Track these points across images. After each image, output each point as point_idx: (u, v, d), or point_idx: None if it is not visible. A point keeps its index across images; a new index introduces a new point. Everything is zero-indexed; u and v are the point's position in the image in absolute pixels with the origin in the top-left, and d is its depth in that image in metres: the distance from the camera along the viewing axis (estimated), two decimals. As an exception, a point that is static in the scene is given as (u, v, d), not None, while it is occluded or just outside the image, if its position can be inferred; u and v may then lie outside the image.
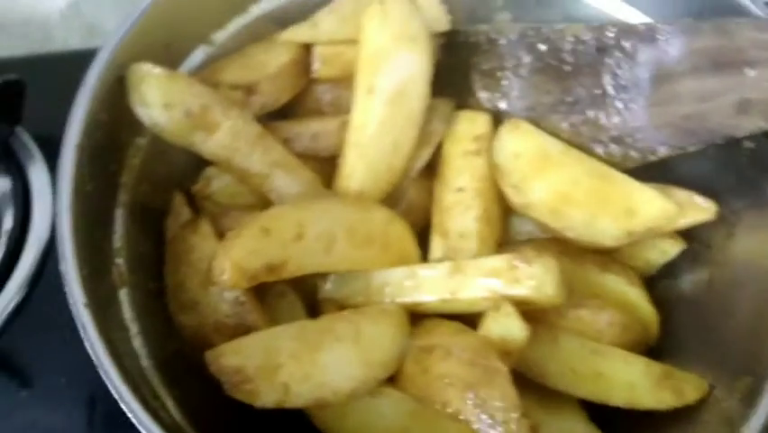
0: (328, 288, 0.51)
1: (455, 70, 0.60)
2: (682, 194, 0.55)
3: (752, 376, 0.47)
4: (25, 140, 0.69)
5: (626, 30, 0.54)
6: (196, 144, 0.50)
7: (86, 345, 0.38)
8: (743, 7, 0.53)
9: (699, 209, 0.55)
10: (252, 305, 0.47)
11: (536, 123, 0.57)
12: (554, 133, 0.57)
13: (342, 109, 0.57)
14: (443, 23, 0.60)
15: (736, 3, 0.53)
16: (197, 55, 0.56)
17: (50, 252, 0.63)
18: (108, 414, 0.56)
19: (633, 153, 0.55)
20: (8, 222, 0.64)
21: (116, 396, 0.37)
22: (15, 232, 0.63)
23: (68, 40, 0.81)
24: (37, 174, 0.68)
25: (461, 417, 0.43)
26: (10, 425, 0.56)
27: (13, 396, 0.57)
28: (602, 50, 0.55)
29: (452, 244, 0.53)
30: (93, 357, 0.38)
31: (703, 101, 0.51)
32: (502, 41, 0.58)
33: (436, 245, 0.54)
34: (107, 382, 0.37)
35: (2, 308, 0.60)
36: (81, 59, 0.76)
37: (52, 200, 0.65)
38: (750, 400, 0.46)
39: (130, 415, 0.37)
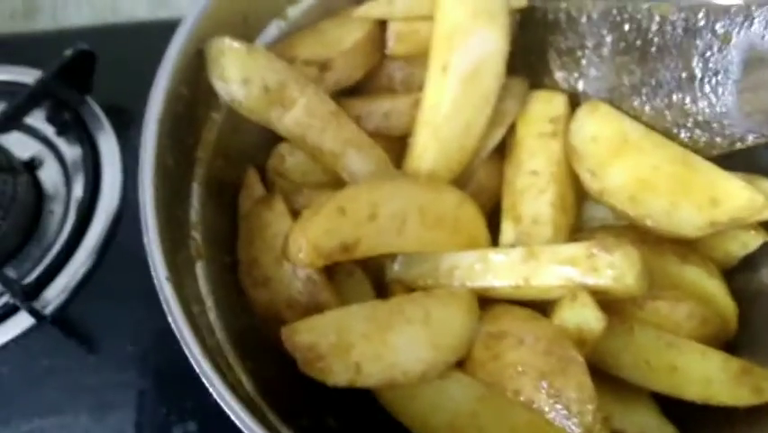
0: (397, 269, 0.51)
1: (531, 49, 0.59)
2: None
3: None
4: (95, 109, 0.71)
5: (719, 11, 0.51)
6: (272, 120, 0.50)
7: (169, 318, 0.39)
8: None
9: None
10: (324, 283, 0.47)
11: (616, 105, 0.56)
12: (635, 117, 0.55)
13: (414, 87, 0.56)
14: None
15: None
16: (272, 29, 0.56)
17: (119, 221, 0.65)
18: (173, 381, 0.58)
19: (719, 140, 0.53)
20: (78, 190, 0.67)
21: (197, 369, 0.38)
22: (86, 200, 0.65)
23: (135, 10, 0.82)
24: (106, 143, 0.69)
25: (533, 405, 0.43)
26: (79, 388, 0.58)
27: (81, 362, 0.59)
28: (691, 31, 0.52)
29: (525, 229, 0.52)
30: (175, 331, 0.39)
31: (798, 89, 0.48)
32: (583, 19, 0.56)
33: (508, 230, 0.53)
34: (189, 356, 0.38)
35: (71, 275, 0.62)
36: (147, 30, 0.78)
37: (121, 169, 0.68)
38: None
39: (209, 387, 0.37)
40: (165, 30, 0.76)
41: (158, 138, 0.44)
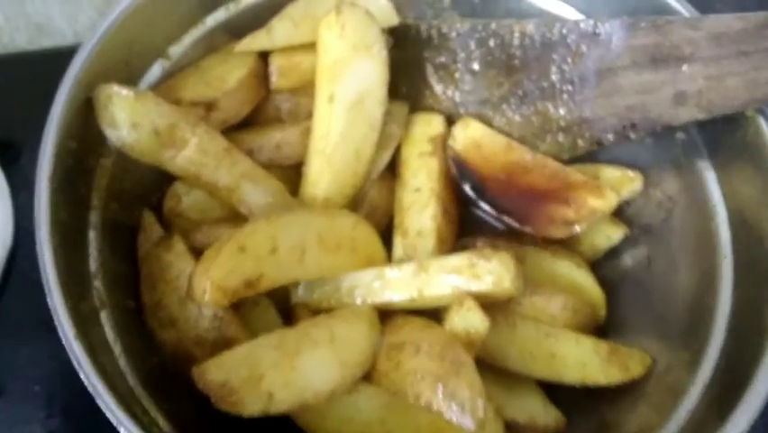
0: (300, 293, 0.54)
1: (411, 64, 0.63)
2: (613, 170, 0.61)
3: (692, 350, 0.52)
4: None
5: (570, 27, 0.57)
6: (165, 161, 0.51)
7: (81, 375, 0.40)
8: (671, 7, 0.56)
9: (630, 180, 0.60)
10: (231, 318, 0.49)
11: (490, 115, 0.61)
12: (508, 124, 0.61)
13: (301, 117, 0.59)
14: (392, 18, 0.61)
15: (667, 3, 0.57)
16: (155, 70, 0.57)
17: (14, 257, 0.63)
18: (82, 418, 0.58)
19: (580, 142, 0.60)
20: (-31, 228, 0.64)
21: (113, 420, 0.39)
22: None
23: (14, 39, 0.79)
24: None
25: (433, 407, 0.47)
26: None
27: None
28: (548, 45, 0.58)
29: (411, 241, 0.57)
30: (88, 386, 0.40)
31: (644, 93, 0.55)
32: (453, 35, 0.61)
33: (398, 244, 0.57)
34: (104, 408, 0.39)
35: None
36: (29, 60, 0.75)
37: (12, 204, 0.66)
38: (691, 371, 0.50)
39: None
40: (47, 59, 0.75)
41: (50, 195, 0.44)
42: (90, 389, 0.39)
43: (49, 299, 0.41)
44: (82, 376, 0.39)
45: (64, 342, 0.40)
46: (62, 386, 0.59)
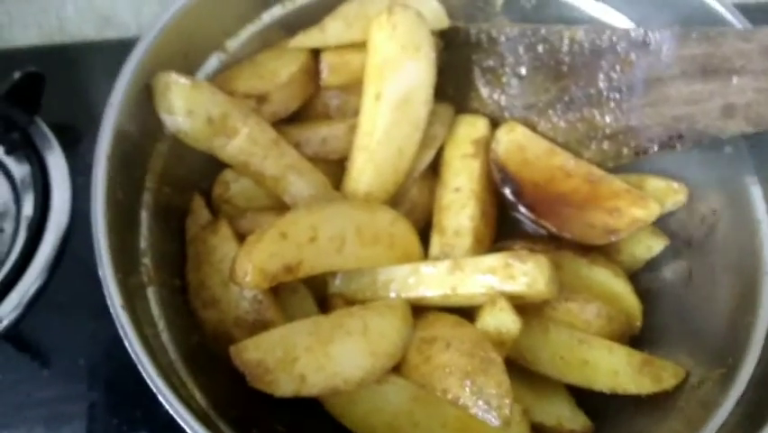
0: (337, 284, 0.55)
1: (458, 67, 0.63)
2: (658, 181, 0.61)
3: (726, 365, 0.51)
4: (43, 129, 0.72)
5: (620, 34, 0.57)
6: (216, 149, 0.54)
7: (125, 342, 0.42)
8: (724, 18, 0.56)
9: (674, 192, 0.60)
10: (270, 302, 0.51)
11: (535, 119, 0.61)
12: (552, 130, 0.61)
13: (348, 114, 0.61)
14: (443, 21, 0.62)
15: (719, 14, 0.56)
16: (212, 62, 0.59)
17: (69, 237, 0.66)
18: (123, 392, 0.60)
19: (625, 150, 0.59)
20: (28, 208, 0.68)
21: (153, 387, 0.41)
22: (36, 218, 0.66)
23: (81, 30, 0.83)
24: (55, 162, 0.70)
25: (459, 402, 0.48)
26: (32, 402, 0.60)
27: (34, 376, 0.61)
28: (597, 52, 0.58)
29: (449, 240, 0.57)
30: (131, 353, 0.42)
31: (692, 104, 0.55)
32: (502, 40, 0.61)
33: (435, 242, 0.58)
34: (144, 375, 0.41)
35: (23, 292, 0.63)
36: (95, 50, 0.79)
37: (70, 187, 0.69)
38: (724, 386, 0.50)
39: (165, 403, 0.41)
40: (112, 49, 0.78)
41: (107, 174, 0.47)
42: (133, 357, 0.41)
43: (100, 270, 0.44)
44: (126, 344, 0.42)
45: (111, 310, 0.43)
46: (104, 362, 0.61)
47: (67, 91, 0.73)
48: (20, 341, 0.63)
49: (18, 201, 0.69)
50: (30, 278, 0.64)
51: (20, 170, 0.70)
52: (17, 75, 0.67)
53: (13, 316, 0.62)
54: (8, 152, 0.71)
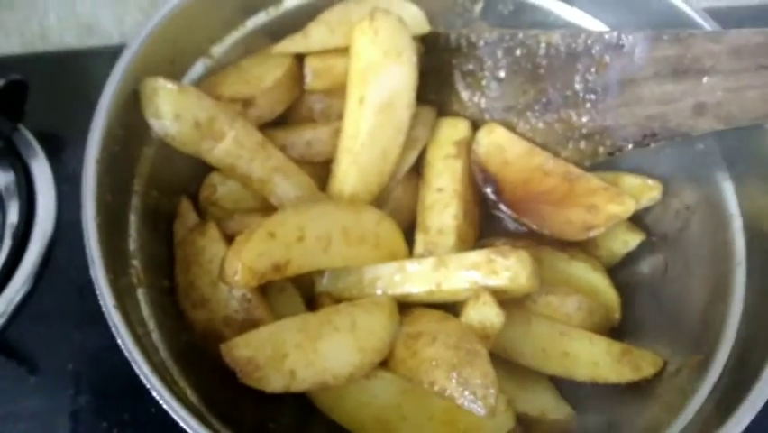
0: (324, 282, 0.56)
1: (439, 71, 0.65)
2: (633, 178, 0.62)
3: (702, 353, 0.53)
4: (27, 136, 0.72)
5: (594, 38, 0.59)
6: (203, 152, 0.55)
7: (118, 341, 0.43)
8: (694, 21, 0.58)
9: (649, 188, 0.62)
10: (259, 301, 0.52)
11: (514, 121, 0.63)
12: (531, 131, 0.63)
13: (332, 117, 0.62)
14: (423, 26, 0.64)
15: (690, 18, 0.58)
16: (197, 68, 0.60)
17: (54, 245, 0.67)
18: (110, 396, 0.61)
19: (601, 149, 0.61)
20: (13, 216, 0.68)
21: (148, 384, 0.42)
22: (21, 225, 0.67)
23: (63, 38, 0.83)
24: (40, 169, 0.71)
25: (446, 393, 0.49)
26: (19, 409, 0.60)
27: (21, 382, 0.61)
28: (572, 55, 0.60)
29: (432, 238, 0.59)
30: (125, 352, 0.42)
31: (664, 103, 0.56)
32: (481, 44, 0.63)
33: (419, 241, 0.59)
34: (139, 373, 0.42)
35: (10, 299, 0.63)
36: (77, 58, 0.80)
37: (55, 195, 0.69)
38: (700, 373, 0.52)
39: (160, 400, 0.42)
40: (94, 57, 0.80)
41: (97, 177, 0.47)
42: (127, 355, 0.42)
43: (91, 271, 0.44)
44: (120, 343, 0.42)
45: (104, 310, 0.43)
46: (92, 367, 0.62)
47: (49, 99, 0.73)
48: (6, 348, 0.63)
49: (2, 209, 0.69)
50: (15, 285, 0.64)
51: (3, 177, 0.70)
52: (0, 82, 0.68)
53: (-1, 323, 0.63)
54: (-8, 160, 0.71)
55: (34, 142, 0.72)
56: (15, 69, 0.69)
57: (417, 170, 0.63)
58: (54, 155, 0.72)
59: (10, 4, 0.84)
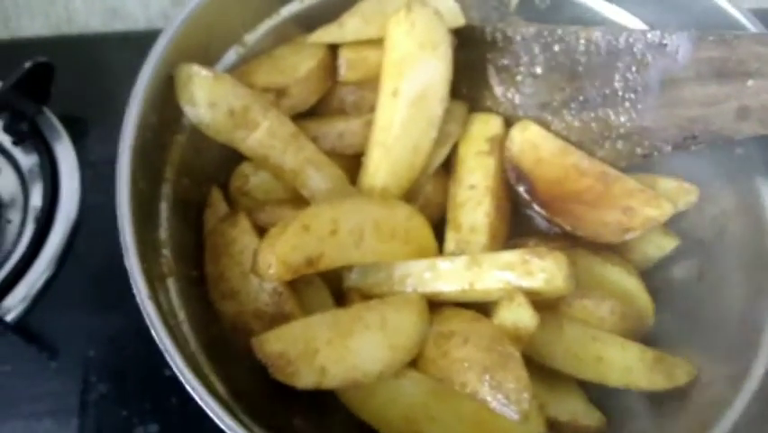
0: (354, 278, 0.56)
1: (473, 65, 0.64)
2: (670, 181, 0.61)
3: (738, 364, 0.52)
4: (51, 119, 0.72)
5: (637, 36, 0.58)
6: (236, 141, 0.54)
7: (152, 331, 0.42)
8: (740, 22, 0.57)
9: (686, 192, 0.61)
10: (289, 295, 0.51)
11: (549, 119, 0.62)
12: (566, 129, 0.61)
13: (364, 109, 0.61)
14: (458, 19, 0.63)
15: (735, 18, 0.57)
16: (230, 55, 0.59)
17: (77, 229, 0.67)
18: (132, 384, 0.60)
19: (638, 150, 0.60)
20: (36, 199, 0.67)
21: (180, 376, 0.41)
22: (44, 209, 0.66)
23: (89, 21, 0.83)
24: (64, 152, 0.70)
25: (478, 396, 0.48)
26: (40, 393, 0.60)
27: (42, 367, 0.61)
28: (613, 53, 0.58)
29: (464, 237, 0.58)
30: (158, 342, 0.42)
31: (707, 106, 0.55)
32: (518, 39, 0.62)
33: (450, 239, 0.58)
34: (172, 365, 0.42)
35: (32, 283, 0.63)
36: (102, 42, 0.79)
37: (79, 178, 0.69)
38: (736, 384, 0.51)
39: (192, 392, 0.41)
40: (119, 41, 0.79)
41: (131, 165, 0.47)
42: (161, 346, 0.42)
43: (126, 261, 0.44)
44: (153, 334, 0.42)
45: (138, 300, 0.43)
46: (114, 354, 0.62)
47: (74, 83, 0.73)
48: (28, 333, 0.62)
49: (26, 192, 0.69)
50: (38, 270, 0.64)
51: (27, 160, 0.70)
52: (28, 65, 0.67)
53: (21, 307, 0.63)
54: (16, 142, 0.71)
55: (59, 125, 0.72)
56: (39, 52, 0.68)
57: (446, 167, 0.62)
58: (78, 139, 0.72)
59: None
